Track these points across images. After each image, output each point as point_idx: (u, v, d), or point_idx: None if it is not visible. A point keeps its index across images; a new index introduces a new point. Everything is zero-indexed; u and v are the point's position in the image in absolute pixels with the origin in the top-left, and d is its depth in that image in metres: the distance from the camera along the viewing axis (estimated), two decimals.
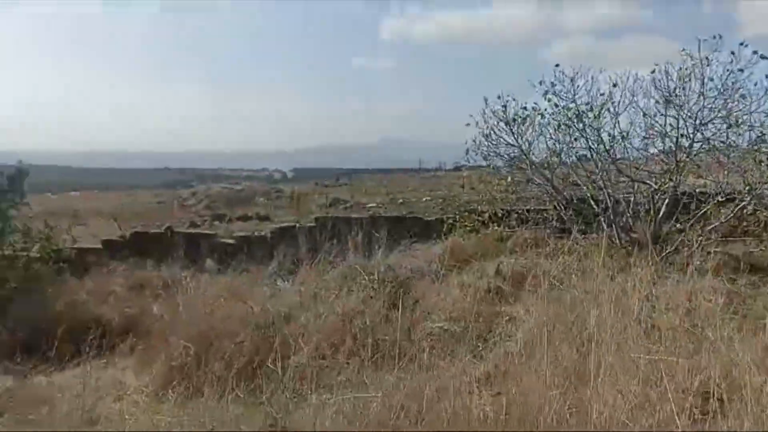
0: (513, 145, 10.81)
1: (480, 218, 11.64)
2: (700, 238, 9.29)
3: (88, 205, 30.78)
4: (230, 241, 13.06)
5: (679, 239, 9.59)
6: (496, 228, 11.40)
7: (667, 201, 9.99)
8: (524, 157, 10.79)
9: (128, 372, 7.40)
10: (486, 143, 10.90)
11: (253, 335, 6.82)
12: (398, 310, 7.47)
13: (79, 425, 5.15)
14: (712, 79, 9.41)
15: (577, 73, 10.06)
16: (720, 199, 9.63)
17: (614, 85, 9.96)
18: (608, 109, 10.05)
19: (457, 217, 12.23)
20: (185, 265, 11.79)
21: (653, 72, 9.75)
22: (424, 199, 24.79)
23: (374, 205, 23.92)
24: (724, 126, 9.59)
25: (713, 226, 9.63)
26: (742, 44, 9.40)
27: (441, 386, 4.69)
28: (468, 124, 10.85)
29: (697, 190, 10.21)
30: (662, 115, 9.86)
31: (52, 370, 7.30)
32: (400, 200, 25.42)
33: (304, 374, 5.77)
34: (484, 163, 11.53)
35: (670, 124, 9.82)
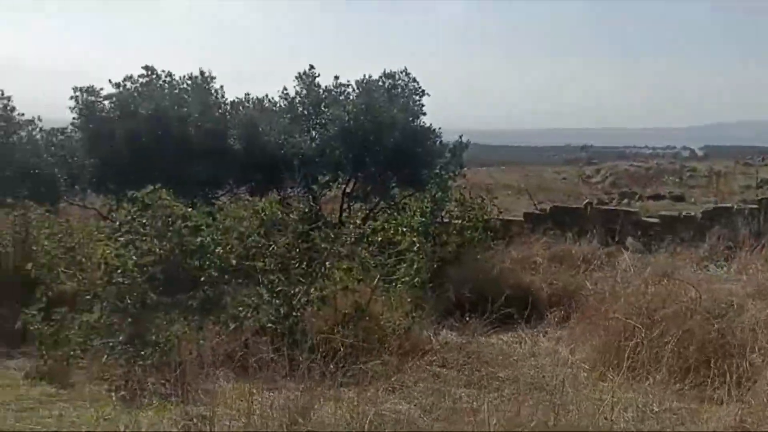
0: None
1: None
2: None
3: (496, 179, 32.69)
4: (653, 219, 12.30)
5: None
6: None
7: None
8: None
9: (561, 343, 7.43)
10: None
11: (702, 323, 6.19)
12: None
13: (529, 390, 5.29)
14: None
15: None
16: None
17: None
18: None
19: None
20: (603, 242, 11.52)
21: None
22: None
23: None
24: None
25: None
26: None
27: None
28: None
29: None
30: None
31: (490, 331, 7.70)
32: None
33: None
34: None
35: None
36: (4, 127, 10.65)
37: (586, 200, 13.77)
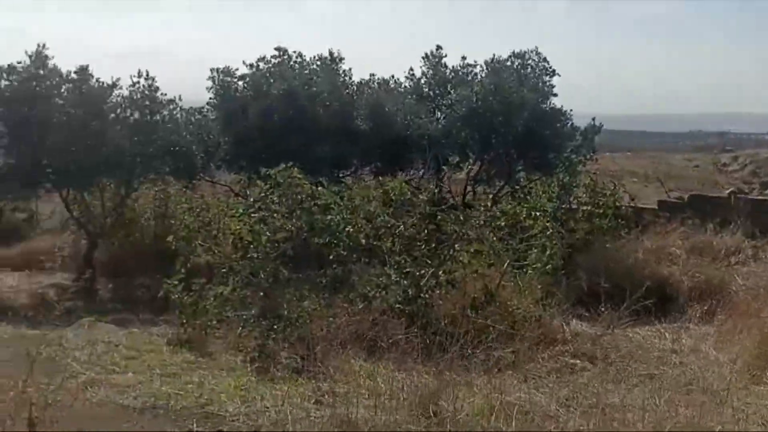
0: None
1: None
2: None
3: (620, 165, 31.17)
4: None
5: None
6: None
7: None
8: None
9: (707, 341, 6.89)
10: None
11: None
12: None
13: (677, 387, 4.93)
14: None
15: None
16: None
17: None
18: None
19: None
20: (750, 234, 10.67)
21: None
22: None
23: None
24: None
25: None
26: None
27: None
28: None
29: None
30: None
31: (625, 323, 7.26)
32: None
33: None
34: None
35: None
36: (148, 106, 11.18)
37: (730, 189, 12.77)
